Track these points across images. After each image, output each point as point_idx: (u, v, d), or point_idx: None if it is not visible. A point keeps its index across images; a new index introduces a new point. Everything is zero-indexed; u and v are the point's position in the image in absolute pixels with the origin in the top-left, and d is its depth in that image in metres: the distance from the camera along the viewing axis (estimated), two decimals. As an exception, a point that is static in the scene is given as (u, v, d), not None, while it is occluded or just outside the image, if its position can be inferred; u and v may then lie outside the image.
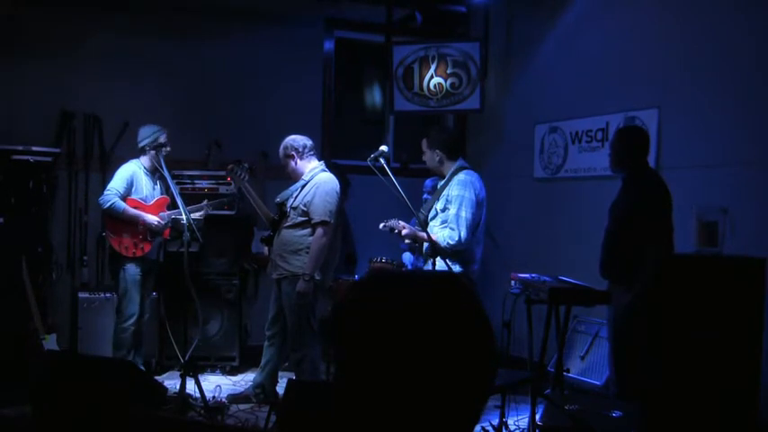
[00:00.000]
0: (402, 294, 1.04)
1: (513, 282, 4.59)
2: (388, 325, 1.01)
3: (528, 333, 4.44)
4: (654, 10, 5.32)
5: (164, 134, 5.31)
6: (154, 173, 5.42)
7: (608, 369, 4.78)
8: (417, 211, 4.79)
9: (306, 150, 4.97)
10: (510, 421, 4.46)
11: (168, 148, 5.27)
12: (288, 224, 4.90)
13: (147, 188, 5.37)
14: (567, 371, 4.94)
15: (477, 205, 4.71)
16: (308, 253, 4.81)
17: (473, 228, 4.67)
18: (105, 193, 5.24)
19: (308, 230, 4.85)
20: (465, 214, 4.63)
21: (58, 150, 5.86)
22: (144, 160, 5.37)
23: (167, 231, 5.38)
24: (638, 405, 3.80)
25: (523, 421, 4.58)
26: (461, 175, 4.76)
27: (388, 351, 1.00)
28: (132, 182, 5.29)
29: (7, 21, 5.91)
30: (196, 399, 4.76)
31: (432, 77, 6.49)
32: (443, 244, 4.58)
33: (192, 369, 4.74)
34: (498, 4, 6.56)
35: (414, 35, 6.81)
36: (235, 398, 5.13)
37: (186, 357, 4.82)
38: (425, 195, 5.91)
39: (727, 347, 3.58)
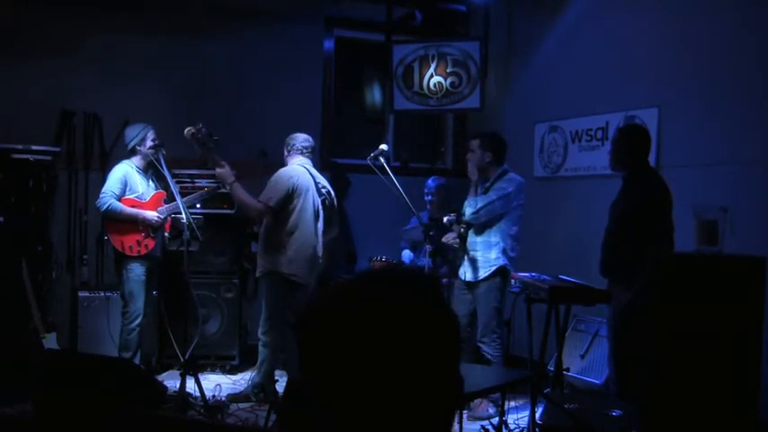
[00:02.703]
0: (362, 294, 1.05)
1: (513, 281, 4.61)
2: (344, 323, 1.02)
3: (528, 332, 4.44)
4: (654, 10, 5.31)
5: (150, 131, 5.30)
6: (146, 171, 5.41)
7: (608, 368, 4.78)
8: (417, 211, 4.81)
9: (293, 149, 5.15)
10: (510, 420, 4.46)
11: (162, 147, 5.20)
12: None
13: (141, 186, 5.35)
14: (567, 370, 4.94)
15: (508, 200, 4.96)
16: (273, 249, 4.92)
17: (490, 214, 4.91)
18: (101, 196, 5.21)
19: (268, 221, 5.00)
20: (496, 203, 4.90)
21: (58, 149, 5.85)
22: (135, 160, 5.35)
23: (168, 225, 5.38)
24: (638, 404, 3.79)
25: (523, 420, 4.59)
26: (510, 175, 5.05)
27: (342, 350, 1.01)
28: (126, 182, 5.27)
29: (7, 21, 5.91)
30: (196, 398, 4.76)
31: (432, 76, 6.48)
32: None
33: (192, 368, 4.74)
34: (498, 3, 6.56)
35: (414, 34, 6.81)
36: (235, 397, 5.13)
37: (186, 356, 4.82)
38: (428, 196, 5.91)
39: (727, 347, 3.58)
